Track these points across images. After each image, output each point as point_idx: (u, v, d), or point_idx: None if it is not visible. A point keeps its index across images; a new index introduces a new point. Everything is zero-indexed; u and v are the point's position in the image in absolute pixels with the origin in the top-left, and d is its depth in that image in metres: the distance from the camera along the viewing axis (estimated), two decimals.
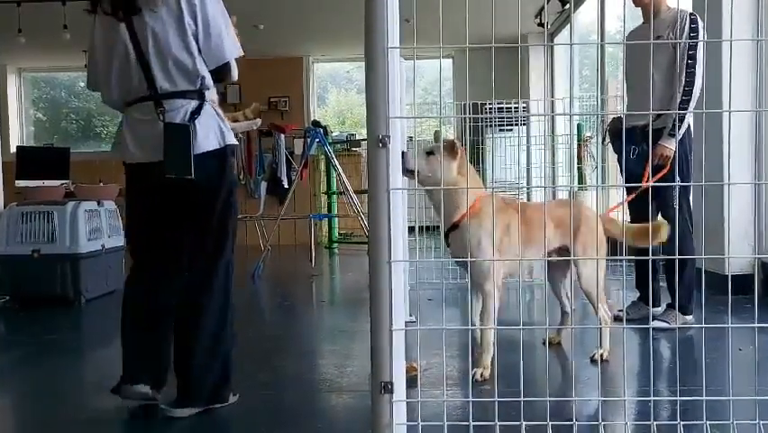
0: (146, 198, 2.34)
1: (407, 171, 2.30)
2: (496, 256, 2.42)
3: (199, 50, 2.21)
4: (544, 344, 2.87)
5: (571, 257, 2.60)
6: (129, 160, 2.32)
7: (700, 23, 3.16)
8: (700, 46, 3.11)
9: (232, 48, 2.29)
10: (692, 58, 3.12)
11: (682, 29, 3.15)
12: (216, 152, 2.26)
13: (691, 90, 3.13)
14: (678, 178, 3.12)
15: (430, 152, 2.53)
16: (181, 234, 2.33)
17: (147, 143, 2.23)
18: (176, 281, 2.34)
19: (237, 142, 2.37)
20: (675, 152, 3.13)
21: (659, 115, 3.20)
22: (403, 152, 1.91)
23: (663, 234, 2.67)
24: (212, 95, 2.30)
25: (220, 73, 2.29)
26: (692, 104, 3.14)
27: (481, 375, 2.41)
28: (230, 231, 2.44)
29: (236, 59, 2.33)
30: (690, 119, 3.22)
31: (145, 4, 2.17)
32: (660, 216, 3.17)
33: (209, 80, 2.25)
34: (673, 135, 3.14)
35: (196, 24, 2.19)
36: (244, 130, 2.96)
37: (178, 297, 2.34)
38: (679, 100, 3.12)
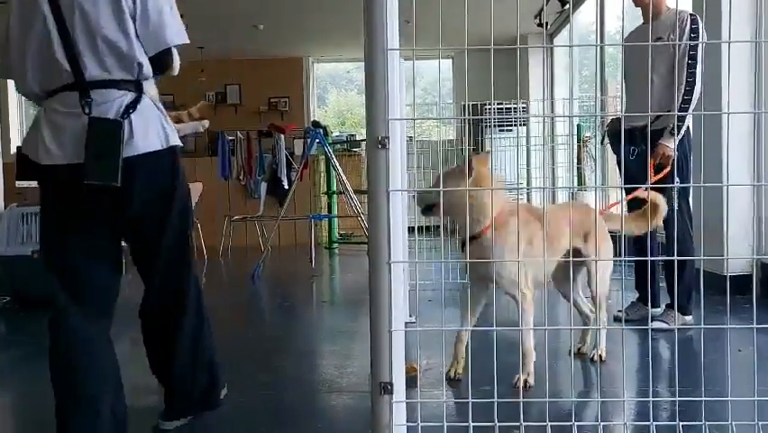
0: (70, 211, 1.87)
1: (428, 209, 2.34)
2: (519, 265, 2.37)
3: (137, 34, 1.83)
4: (570, 354, 2.76)
5: (589, 258, 2.55)
6: (46, 161, 1.84)
7: (701, 24, 3.16)
8: (701, 47, 3.11)
9: (175, 33, 1.89)
10: (693, 59, 3.12)
11: (683, 30, 3.15)
12: (162, 153, 1.90)
13: (692, 91, 3.13)
14: (677, 178, 3.12)
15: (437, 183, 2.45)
16: (114, 254, 1.99)
17: (71, 141, 1.80)
18: (105, 322, 2.01)
19: (183, 144, 2.03)
20: (675, 152, 3.13)
21: (658, 116, 3.20)
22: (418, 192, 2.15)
23: (662, 212, 2.69)
24: (151, 89, 1.95)
25: (160, 61, 1.89)
26: (693, 105, 3.14)
27: (526, 382, 2.27)
28: (186, 244, 2.06)
29: (179, 50, 1.95)
30: (689, 120, 3.22)
31: None
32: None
33: (147, 69, 1.86)
34: (674, 135, 3.14)
35: (134, 2, 1.83)
36: (190, 132, 2.58)
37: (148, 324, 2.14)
38: (680, 101, 3.12)
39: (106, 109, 1.81)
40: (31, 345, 3.61)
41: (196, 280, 2.12)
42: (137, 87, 1.87)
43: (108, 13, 1.80)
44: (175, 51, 1.93)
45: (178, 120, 2.32)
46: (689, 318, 3.29)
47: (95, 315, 1.93)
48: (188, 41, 1.94)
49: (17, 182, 6.77)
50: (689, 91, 3.13)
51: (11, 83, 1.98)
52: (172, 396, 2.15)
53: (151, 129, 1.88)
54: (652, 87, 3.14)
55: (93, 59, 1.80)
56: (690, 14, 3.19)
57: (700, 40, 3.12)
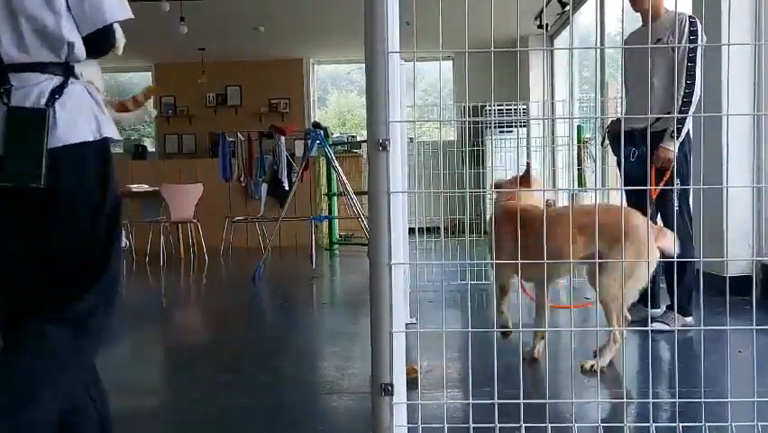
0: None
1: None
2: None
3: (68, 8, 1.54)
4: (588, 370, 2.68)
5: (621, 259, 2.43)
6: None
7: (700, 26, 3.17)
8: (700, 49, 3.11)
9: (116, 6, 1.59)
10: (692, 61, 3.12)
11: (681, 32, 3.16)
12: (89, 145, 1.56)
13: (692, 93, 3.13)
14: (677, 180, 3.13)
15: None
16: (38, 265, 1.56)
17: None
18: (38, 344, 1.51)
19: (118, 137, 1.69)
20: (675, 154, 3.15)
21: (658, 118, 3.21)
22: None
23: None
24: (89, 72, 1.67)
25: (99, 41, 1.59)
26: (693, 107, 3.14)
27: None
28: (110, 269, 1.60)
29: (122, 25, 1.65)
30: (689, 122, 3.23)
31: None
32: (660, 217, 3.18)
33: (80, 50, 1.57)
34: (674, 138, 3.15)
35: None
36: (136, 122, 2.40)
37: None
38: (679, 103, 3.13)
39: (25, 95, 1.52)
40: None
41: (94, 341, 1.65)
42: (66, 69, 1.57)
43: None
44: (117, 27, 1.64)
45: (123, 108, 2.01)
46: (689, 320, 3.29)
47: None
48: (132, 16, 1.63)
49: None
50: (688, 93, 3.14)
51: None
52: None
53: (81, 117, 1.57)
54: (651, 89, 3.16)
55: (12, 39, 1.52)
56: (690, 17, 3.19)
57: (699, 42, 3.12)
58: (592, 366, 2.57)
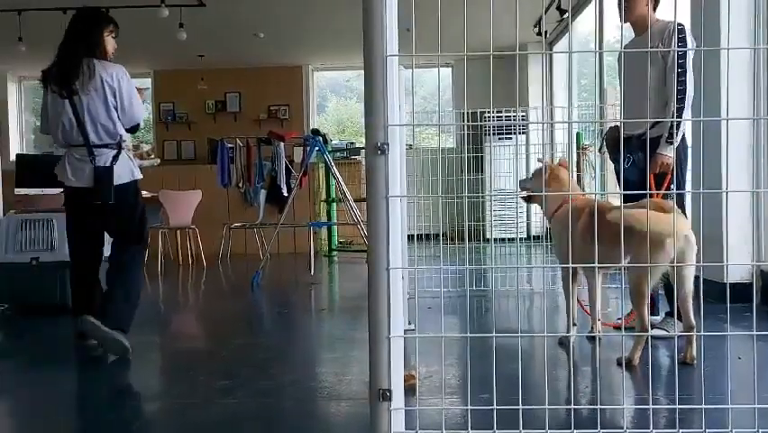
0: (80, 210, 3.37)
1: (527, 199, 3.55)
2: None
3: (119, 117, 3.26)
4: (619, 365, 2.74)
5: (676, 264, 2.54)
6: (68, 184, 3.33)
7: (688, 33, 3.20)
8: (689, 55, 3.15)
9: (140, 113, 3.40)
10: (682, 67, 3.16)
11: (670, 39, 3.20)
12: (128, 184, 3.33)
13: (683, 98, 3.17)
14: (673, 186, 3.15)
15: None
16: (102, 235, 3.50)
17: (82, 175, 3.27)
18: (97, 263, 3.50)
19: (142, 176, 3.46)
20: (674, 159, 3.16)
21: (654, 125, 3.24)
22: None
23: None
24: (128, 143, 3.42)
25: (132, 129, 3.41)
26: (685, 112, 3.17)
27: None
28: (144, 233, 3.51)
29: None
30: (683, 127, 3.24)
31: (81, 89, 3.19)
32: None
33: (125, 135, 3.34)
34: (671, 143, 3.17)
35: (116, 101, 3.24)
36: (148, 167, 4.14)
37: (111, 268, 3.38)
38: (672, 109, 3.16)
39: (102, 160, 3.25)
40: (29, 353, 3.60)
41: (143, 259, 3.52)
42: (118, 146, 3.29)
43: (103, 110, 3.23)
44: (140, 123, 3.45)
45: (141, 158, 3.86)
46: None
47: (90, 261, 3.48)
48: (146, 116, 3.32)
49: (16, 189, 6.78)
50: (680, 99, 3.17)
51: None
52: (102, 304, 3.32)
53: (125, 171, 3.32)
54: (645, 97, 3.21)
55: (95, 135, 3.25)
56: (678, 24, 3.23)
57: (688, 48, 3.15)
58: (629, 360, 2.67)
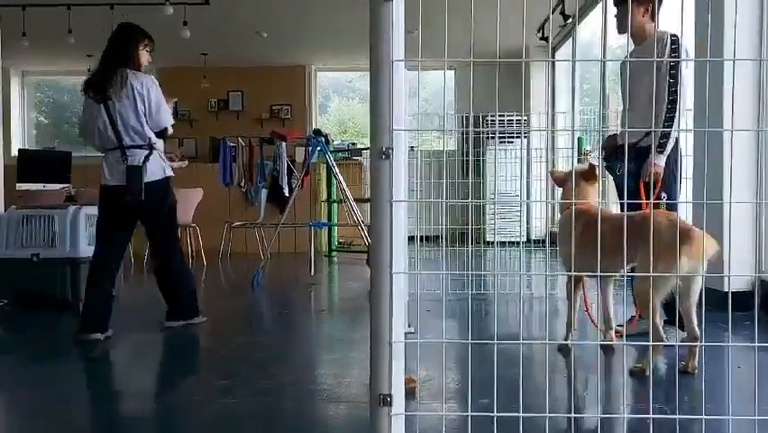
0: (111, 208, 3.71)
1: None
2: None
3: (147, 122, 3.64)
4: (632, 375, 2.72)
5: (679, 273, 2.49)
6: (105, 183, 3.69)
7: (681, 44, 3.22)
8: (682, 65, 3.16)
9: (167, 119, 3.73)
10: (674, 77, 3.18)
11: (664, 48, 3.22)
12: (160, 181, 3.69)
13: (674, 109, 3.19)
14: (664, 195, 3.19)
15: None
16: (127, 240, 3.88)
17: (117, 174, 3.63)
18: (115, 268, 3.78)
19: (173, 174, 3.84)
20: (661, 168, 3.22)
21: (647, 134, 3.27)
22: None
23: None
24: (159, 145, 3.75)
25: (161, 133, 3.74)
26: (676, 122, 3.20)
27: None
28: (174, 226, 3.89)
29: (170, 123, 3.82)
30: (673, 137, 3.27)
31: (114, 95, 3.58)
32: None
33: (154, 138, 3.68)
34: (661, 152, 3.20)
35: (145, 107, 3.62)
36: (177, 168, 4.44)
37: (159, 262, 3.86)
38: (662, 119, 3.18)
39: (133, 159, 3.60)
40: (29, 348, 3.60)
41: (179, 246, 3.96)
42: (149, 147, 3.65)
43: (133, 115, 3.60)
44: (169, 127, 3.76)
45: (171, 160, 4.14)
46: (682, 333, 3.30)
47: (109, 263, 3.74)
48: (174, 122, 3.84)
49: (18, 185, 6.79)
50: (671, 109, 3.20)
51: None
52: (170, 306, 3.87)
53: (157, 168, 3.68)
54: (640, 106, 3.25)
55: (127, 137, 3.61)
56: (672, 35, 3.24)
57: (680, 58, 3.17)
58: (641, 369, 2.68)
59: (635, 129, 3.34)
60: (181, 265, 3.88)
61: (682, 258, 2.48)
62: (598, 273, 2.46)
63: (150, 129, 3.63)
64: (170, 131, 3.77)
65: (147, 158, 3.60)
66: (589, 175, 3.18)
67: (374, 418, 1.50)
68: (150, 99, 3.61)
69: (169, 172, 3.76)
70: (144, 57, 3.76)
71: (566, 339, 3.16)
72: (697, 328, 2.71)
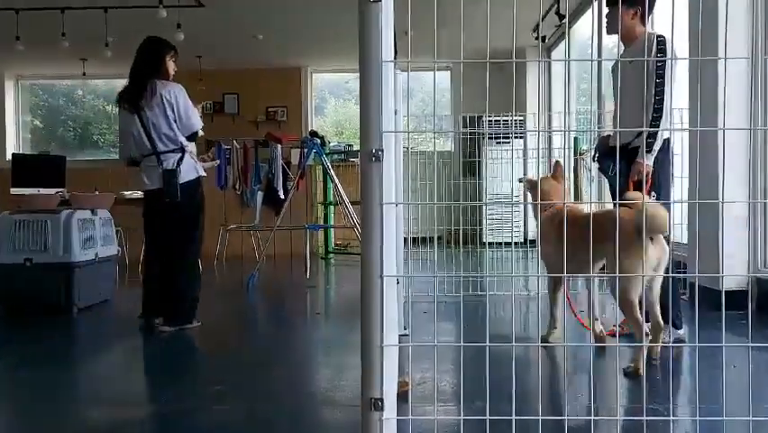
0: (152, 211, 4.01)
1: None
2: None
3: (178, 128, 3.89)
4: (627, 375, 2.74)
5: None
6: (145, 189, 4.00)
7: (668, 44, 3.22)
8: (668, 65, 3.17)
9: (196, 124, 3.99)
10: (660, 77, 3.19)
11: (650, 50, 3.22)
12: (194, 180, 3.95)
13: (661, 109, 3.20)
14: (653, 193, 3.21)
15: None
16: (173, 227, 3.97)
17: (154, 179, 3.91)
18: (164, 266, 3.98)
19: (206, 174, 4.14)
20: (654, 167, 3.22)
21: (638, 135, 3.28)
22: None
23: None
24: (191, 148, 4.00)
25: (191, 137, 3.98)
26: (663, 121, 3.20)
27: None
28: (200, 225, 4.04)
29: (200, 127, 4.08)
30: (661, 137, 3.27)
31: (146, 105, 3.84)
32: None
33: (185, 141, 3.92)
34: (649, 152, 3.21)
35: (174, 114, 3.88)
36: (209, 166, 4.85)
37: (170, 260, 3.96)
38: (650, 118, 3.18)
39: (168, 163, 3.87)
40: (22, 354, 3.58)
41: (199, 249, 4.10)
42: (181, 150, 3.91)
43: (165, 122, 3.86)
44: (200, 130, 4.03)
45: (203, 161, 4.38)
46: (681, 332, 3.31)
47: (156, 262, 4.05)
48: (203, 125, 4.09)
49: (12, 189, 6.74)
50: (657, 109, 3.20)
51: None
52: (168, 308, 3.94)
53: (190, 170, 3.94)
54: (627, 107, 3.27)
55: (160, 144, 3.88)
56: (658, 36, 3.25)
57: (668, 58, 3.18)
58: (635, 368, 2.69)
59: (627, 129, 3.35)
60: (194, 268, 4.05)
61: (648, 251, 2.59)
62: (565, 274, 2.52)
63: (181, 134, 3.89)
64: (201, 133, 4.06)
65: (180, 160, 3.87)
66: (557, 175, 3.46)
67: (365, 422, 1.49)
68: (179, 107, 3.87)
69: (202, 172, 4.03)
70: (171, 67, 4.02)
71: (547, 335, 3.30)
72: (661, 319, 2.85)
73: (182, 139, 3.90)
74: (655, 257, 2.69)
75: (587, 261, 2.58)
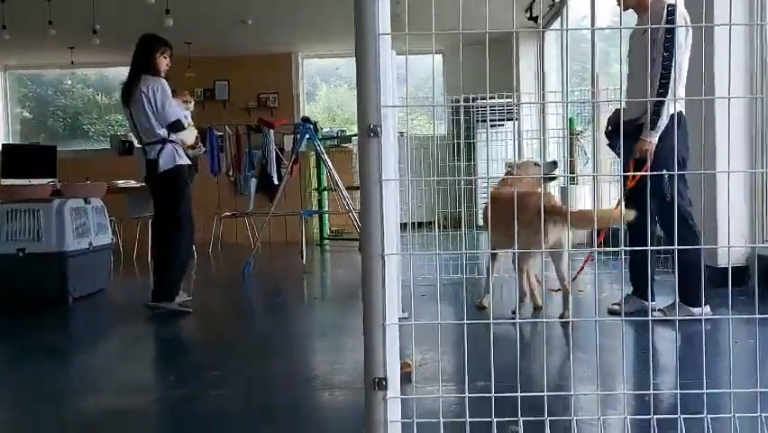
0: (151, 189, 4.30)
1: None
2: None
3: (156, 120, 4.04)
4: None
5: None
6: (142, 175, 4.28)
7: (678, 14, 3.14)
8: (680, 32, 3.09)
9: (172, 114, 4.08)
10: (668, 50, 3.09)
11: (660, 20, 3.15)
12: (172, 169, 4.09)
13: (667, 83, 3.10)
14: (664, 170, 3.07)
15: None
16: (158, 213, 4.24)
17: (143, 167, 4.16)
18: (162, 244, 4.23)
19: (188, 162, 4.26)
20: (663, 142, 3.14)
21: (646, 111, 3.20)
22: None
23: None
24: (182, 137, 4.17)
25: (172, 127, 4.08)
26: (670, 93, 3.10)
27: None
28: (180, 210, 4.12)
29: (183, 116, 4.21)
30: (671, 109, 3.16)
31: (132, 101, 4.05)
32: (657, 208, 3.14)
33: (164, 133, 4.06)
34: (653, 129, 3.14)
35: (153, 107, 4.02)
36: (194, 154, 5.00)
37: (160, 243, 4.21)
38: (654, 94, 3.11)
39: (151, 155, 4.07)
40: (16, 345, 3.54)
41: (182, 233, 4.15)
42: (161, 141, 4.06)
43: (145, 116, 4.03)
44: (182, 119, 4.14)
45: (192, 148, 4.51)
46: (697, 310, 3.09)
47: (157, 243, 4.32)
48: (179, 117, 4.11)
49: (2, 180, 6.67)
50: (663, 84, 3.10)
51: None
52: (154, 287, 4.13)
53: (170, 159, 4.07)
54: (640, 81, 3.15)
55: (144, 136, 4.09)
56: (668, 5, 3.17)
57: (676, 27, 3.09)
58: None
59: (635, 99, 3.27)
60: (175, 250, 4.14)
61: (550, 228, 3.08)
62: (490, 250, 2.88)
63: (159, 126, 4.03)
64: (184, 122, 4.14)
65: (160, 152, 4.04)
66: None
67: (369, 402, 1.46)
68: (155, 99, 4.01)
69: (181, 161, 4.11)
70: (163, 63, 4.15)
71: (515, 310, 3.45)
72: (567, 284, 3.28)
73: (161, 131, 4.04)
74: (554, 236, 3.21)
75: (510, 236, 2.93)
